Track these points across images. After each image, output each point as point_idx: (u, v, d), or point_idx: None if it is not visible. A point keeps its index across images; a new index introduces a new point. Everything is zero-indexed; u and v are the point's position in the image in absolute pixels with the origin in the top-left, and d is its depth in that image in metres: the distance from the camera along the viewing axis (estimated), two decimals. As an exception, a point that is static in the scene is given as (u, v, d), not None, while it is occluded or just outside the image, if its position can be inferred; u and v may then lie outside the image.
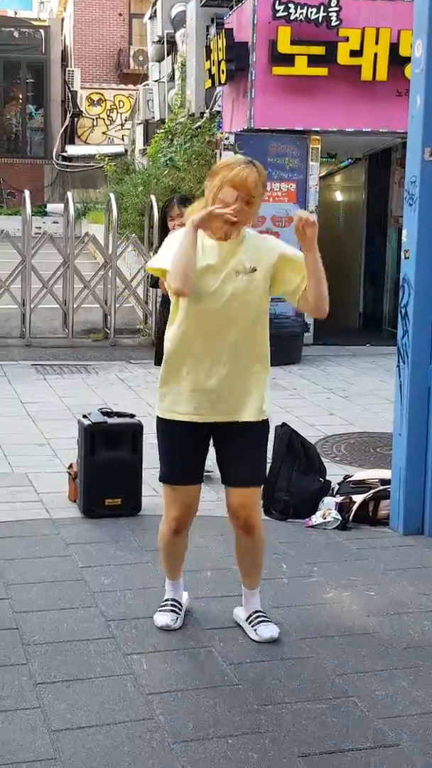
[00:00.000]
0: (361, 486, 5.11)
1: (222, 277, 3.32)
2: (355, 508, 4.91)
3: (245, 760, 2.79)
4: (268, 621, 3.57)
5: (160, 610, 3.63)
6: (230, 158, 3.42)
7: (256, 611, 3.60)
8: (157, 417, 3.48)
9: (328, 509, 4.91)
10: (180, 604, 3.66)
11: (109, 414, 5.10)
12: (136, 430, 4.95)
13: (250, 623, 3.57)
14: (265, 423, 3.48)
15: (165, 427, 3.45)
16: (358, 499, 4.96)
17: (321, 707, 3.10)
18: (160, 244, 5.23)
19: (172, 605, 3.64)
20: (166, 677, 3.25)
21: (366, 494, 4.99)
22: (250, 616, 3.59)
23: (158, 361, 5.41)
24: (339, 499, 4.99)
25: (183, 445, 3.45)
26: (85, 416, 5.01)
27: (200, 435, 3.44)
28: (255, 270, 3.33)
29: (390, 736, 2.95)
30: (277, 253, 3.38)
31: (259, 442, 3.49)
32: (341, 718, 3.04)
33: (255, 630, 3.54)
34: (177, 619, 3.59)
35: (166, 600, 3.67)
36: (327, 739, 2.92)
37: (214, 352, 3.35)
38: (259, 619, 3.57)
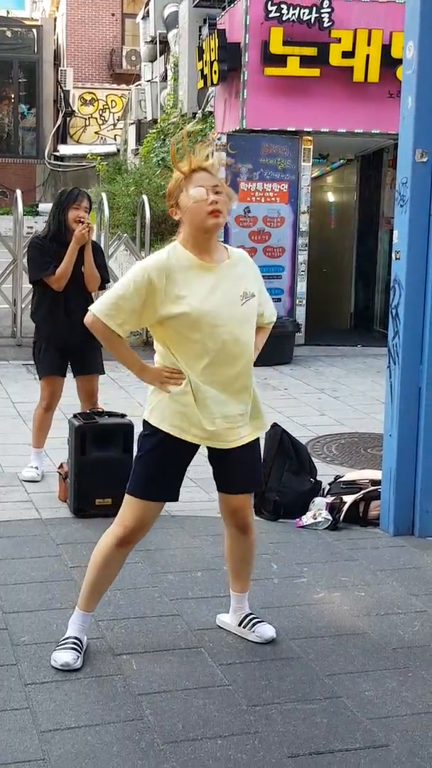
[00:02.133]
0: (352, 486, 5.11)
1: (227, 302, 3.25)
2: (345, 508, 4.91)
3: (235, 760, 2.79)
4: (263, 621, 3.56)
5: (59, 648, 3.31)
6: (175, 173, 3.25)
7: (248, 614, 3.58)
8: (151, 426, 3.28)
9: (318, 510, 4.91)
10: (82, 644, 3.33)
11: (100, 414, 5.09)
12: (127, 430, 4.94)
13: (245, 626, 3.55)
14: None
15: (158, 440, 3.27)
16: (348, 499, 4.96)
17: (310, 708, 3.09)
18: (50, 236, 5.17)
19: (74, 643, 3.31)
20: (155, 678, 3.24)
21: (357, 495, 4.99)
22: (243, 620, 3.57)
23: None
24: (330, 499, 4.99)
25: (174, 460, 3.31)
26: (75, 416, 5.00)
27: (192, 449, 3.35)
28: (254, 295, 3.32)
29: (379, 737, 2.95)
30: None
31: (257, 448, 3.50)
32: (331, 719, 3.03)
33: (254, 631, 3.52)
34: (78, 658, 3.26)
35: (68, 638, 3.33)
36: (316, 740, 2.91)
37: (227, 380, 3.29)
38: (254, 621, 3.56)
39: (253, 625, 3.54)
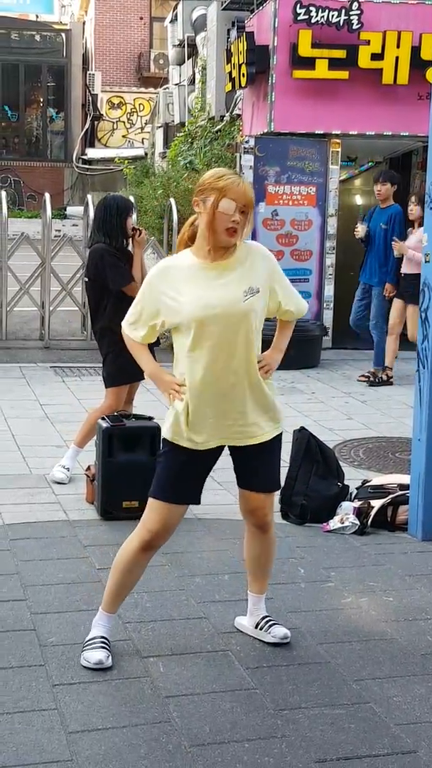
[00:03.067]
0: (380, 491, 5.09)
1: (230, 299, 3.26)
2: (373, 513, 4.90)
3: (261, 764, 2.79)
4: (279, 624, 3.56)
5: (88, 647, 3.34)
6: (217, 171, 3.30)
7: (265, 616, 3.58)
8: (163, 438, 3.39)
9: (345, 514, 4.90)
10: (109, 643, 3.37)
11: (127, 416, 5.11)
12: (154, 432, 4.95)
13: (261, 628, 3.55)
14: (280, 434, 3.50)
15: (172, 445, 3.33)
16: (376, 504, 4.94)
17: (338, 713, 3.09)
18: (115, 245, 5.21)
19: (102, 641, 3.36)
20: (182, 680, 3.25)
21: (384, 499, 4.97)
22: (259, 622, 3.56)
23: None
24: (357, 503, 4.98)
25: (189, 464, 3.33)
26: (103, 418, 5.03)
27: (210, 453, 3.37)
28: (259, 291, 3.29)
29: (407, 743, 2.93)
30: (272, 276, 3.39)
31: (277, 448, 3.50)
32: (358, 724, 3.03)
33: (269, 632, 3.52)
34: (109, 656, 3.30)
35: (95, 637, 3.37)
36: (344, 745, 2.91)
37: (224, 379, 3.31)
38: (271, 622, 3.56)
39: (270, 626, 3.54)
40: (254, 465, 3.41)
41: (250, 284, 3.25)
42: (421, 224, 7.75)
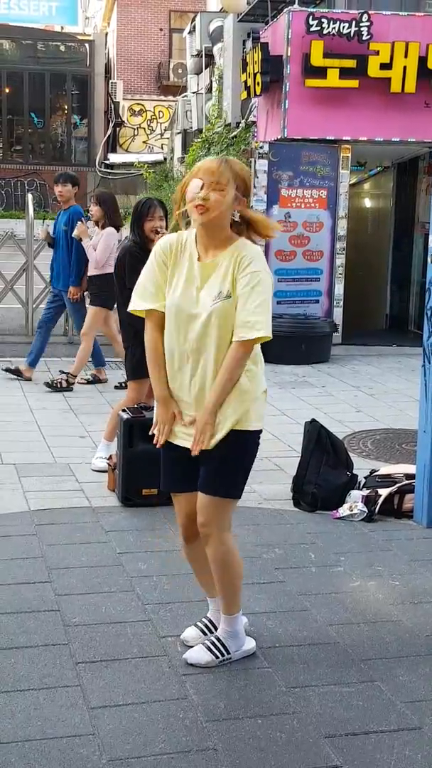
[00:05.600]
0: (387, 480, 5.08)
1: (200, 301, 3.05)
2: (380, 501, 4.88)
3: (273, 739, 2.79)
4: (208, 651, 3.18)
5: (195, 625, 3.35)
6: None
7: (214, 637, 3.23)
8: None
9: (354, 502, 4.89)
10: (212, 626, 3.31)
11: (147, 408, 5.11)
12: (173, 424, 4.95)
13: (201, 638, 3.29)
14: (240, 435, 3.08)
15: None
16: (383, 492, 4.93)
17: (346, 690, 3.08)
18: (139, 245, 5.16)
19: (205, 625, 3.34)
20: (199, 659, 3.25)
21: (391, 488, 4.95)
22: (206, 632, 3.31)
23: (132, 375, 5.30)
24: (365, 492, 4.96)
25: (173, 455, 3.19)
26: (124, 410, 5.03)
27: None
28: (230, 297, 3.01)
29: (413, 720, 2.93)
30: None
31: (225, 453, 3.08)
32: (366, 702, 3.02)
33: (192, 647, 3.24)
34: (198, 638, 3.26)
35: (204, 618, 3.38)
36: (352, 722, 2.90)
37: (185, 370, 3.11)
38: (205, 641, 3.23)
39: (200, 642, 3.24)
40: (201, 466, 3.14)
41: (221, 288, 3.01)
42: (104, 226, 7.35)
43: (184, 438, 3.13)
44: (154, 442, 3.18)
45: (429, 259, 4.77)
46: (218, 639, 3.22)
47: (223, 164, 3.01)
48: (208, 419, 3.02)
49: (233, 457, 3.10)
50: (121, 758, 2.67)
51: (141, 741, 2.75)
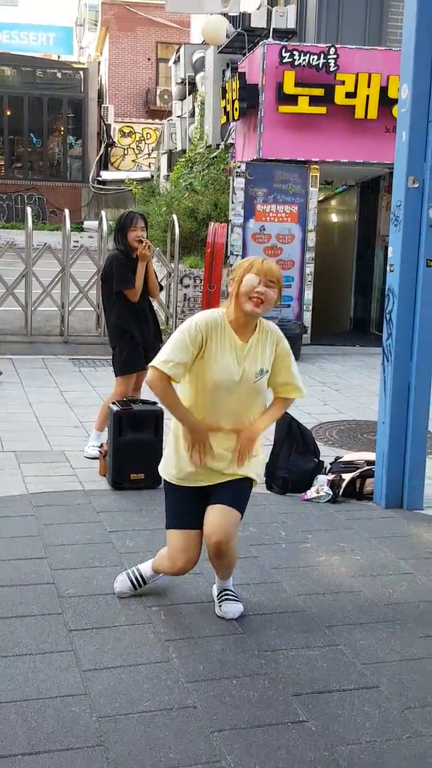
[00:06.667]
0: (350, 466, 5.11)
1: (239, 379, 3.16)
2: (344, 484, 4.91)
3: (247, 698, 2.81)
4: (234, 600, 3.38)
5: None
6: (247, 260, 3.19)
7: (224, 590, 3.41)
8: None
9: (321, 485, 4.92)
10: (141, 581, 3.47)
11: (135, 401, 5.11)
12: (158, 415, 4.96)
13: (218, 598, 3.40)
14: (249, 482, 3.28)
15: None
16: (347, 477, 4.96)
17: (312, 653, 3.10)
18: (124, 253, 5.12)
19: (136, 577, 3.49)
20: (181, 627, 3.26)
21: (354, 473, 4.98)
22: (219, 593, 3.42)
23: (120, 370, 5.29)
24: (331, 476, 4.99)
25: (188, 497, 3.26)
26: (114, 403, 5.03)
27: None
28: (268, 371, 3.22)
29: (371, 680, 2.96)
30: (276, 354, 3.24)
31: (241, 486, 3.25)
32: (330, 664, 3.04)
33: (220, 606, 3.36)
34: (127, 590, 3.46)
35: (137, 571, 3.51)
36: (317, 681, 2.92)
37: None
38: (225, 596, 3.39)
39: (224, 600, 3.38)
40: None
41: (262, 366, 3.19)
42: None
43: (200, 480, 3.21)
44: (197, 459, 3.16)
45: (388, 269, 4.80)
46: (231, 590, 3.41)
47: (276, 266, 3.16)
48: (254, 437, 3.21)
49: (242, 488, 3.25)
50: (110, 715, 2.68)
51: (128, 700, 2.76)
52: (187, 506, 3.24)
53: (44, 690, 2.79)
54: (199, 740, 2.57)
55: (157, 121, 27.05)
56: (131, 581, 3.49)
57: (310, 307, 10.25)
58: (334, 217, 13.44)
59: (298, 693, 2.84)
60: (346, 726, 2.67)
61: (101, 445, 5.22)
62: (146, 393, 6.05)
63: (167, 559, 3.30)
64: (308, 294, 10.20)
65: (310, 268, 10.16)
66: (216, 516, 3.14)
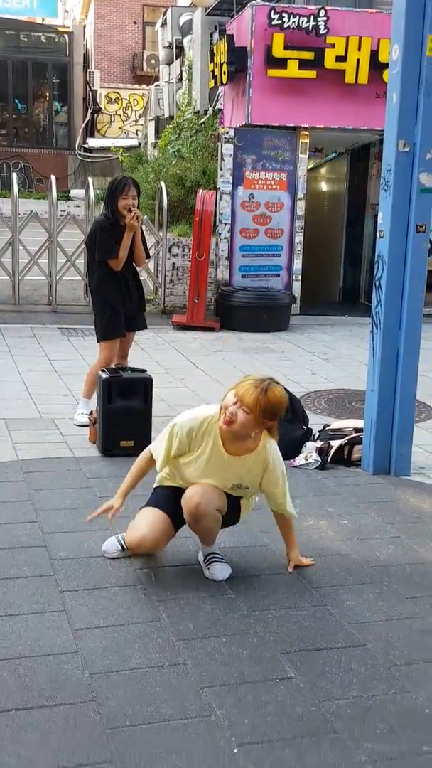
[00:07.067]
0: (338, 433, 5.17)
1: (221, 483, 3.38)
2: (332, 451, 4.97)
3: (236, 655, 2.88)
4: (221, 562, 3.47)
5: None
6: (252, 377, 3.28)
7: (210, 553, 3.49)
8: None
9: (309, 452, 4.98)
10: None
11: (124, 369, 5.14)
12: (147, 383, 5.00)
13: (206, 562, 3.48)
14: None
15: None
16: (335, 444, 5.02)
17: (300, 613, 3.18)
18: (111, 221, 5.11)
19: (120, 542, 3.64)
20: (171, 587, 3.33)
21: (342, 440, 5.04)
22: (206, 557, 3.49)
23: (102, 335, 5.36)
24: (319, 444, 5.05)
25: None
26: (103, 370, 5.05)
27: None
28: (248, 488, 3.42)
29: (358, 638, 3.03)
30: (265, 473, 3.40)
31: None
32: (317, 623, 3.12)
33: (208, 568, 3.44)
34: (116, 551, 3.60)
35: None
36: (305, 640, 3.00)
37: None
38: (212, 559, 3.47)
39: (211, 563, 3.46)
40: None
41: (242, 481, 3.37)
42: None
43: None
44: (88, 519, 3.56)
45: (378, 235, 4.82)
46: (217, 553, 3.51)
47: (262, 395, 3.17)
48: (300, 563, 3.56)
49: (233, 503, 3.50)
50: (101, 672, 2.74)
51: (119, 657, 2.82)
52: (165, 497, 3.48)
53: (37, 648, 2.85)
54: (189, 695, 2.64)
55: (144, 86, 26.71)
56: (119, 543, 3.58)
57: (300, 277, 10.25)
58: (323, 186, 13.39)
59: (286, 651, 2.92)
60: (333, 682, 2.75)
61: (90, 412, 5.26)
62: (134, 360, 6.07)
63: (128, 530, 3.47)
64: (297, 263, 10.20)
65: (299, 237, 10.15)
66: (202, 485, 3.34)
